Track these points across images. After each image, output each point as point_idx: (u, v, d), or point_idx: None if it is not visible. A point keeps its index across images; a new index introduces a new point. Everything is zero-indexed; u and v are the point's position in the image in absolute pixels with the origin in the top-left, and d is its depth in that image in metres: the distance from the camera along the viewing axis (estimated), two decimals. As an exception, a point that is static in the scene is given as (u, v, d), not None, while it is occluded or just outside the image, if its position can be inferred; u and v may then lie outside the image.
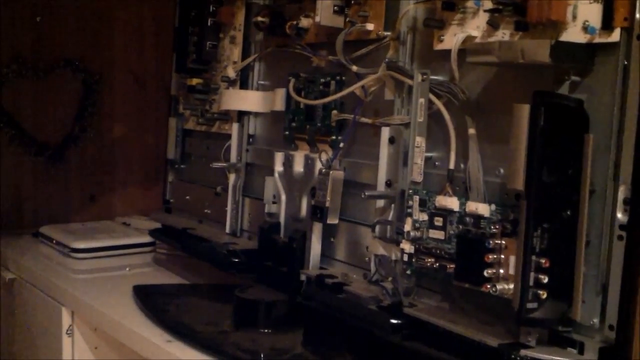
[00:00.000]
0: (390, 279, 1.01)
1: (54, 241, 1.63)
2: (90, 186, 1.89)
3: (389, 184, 1.03)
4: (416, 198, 0.96)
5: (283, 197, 1.22)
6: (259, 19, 1.27)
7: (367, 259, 1.08)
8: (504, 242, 0.83)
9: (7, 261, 1.57)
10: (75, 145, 1.84)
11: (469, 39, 0.90)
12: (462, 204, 0.89)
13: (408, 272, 0.98)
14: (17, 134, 1.75)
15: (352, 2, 1.10)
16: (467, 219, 0.88)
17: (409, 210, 0.97)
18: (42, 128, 1.78)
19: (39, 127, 1.78)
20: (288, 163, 1.22)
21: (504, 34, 0.87)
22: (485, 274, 0.82)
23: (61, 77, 1.79)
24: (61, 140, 1.82)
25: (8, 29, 1.70)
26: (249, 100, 1.35)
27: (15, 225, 1.75)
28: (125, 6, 1.89)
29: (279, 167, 1.23)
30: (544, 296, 0.77)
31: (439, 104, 0.95)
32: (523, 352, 0.80)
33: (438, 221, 0.93)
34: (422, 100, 0.96)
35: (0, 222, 1.71)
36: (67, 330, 1.36)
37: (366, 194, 1.03)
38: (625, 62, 0.76)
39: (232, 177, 1.38)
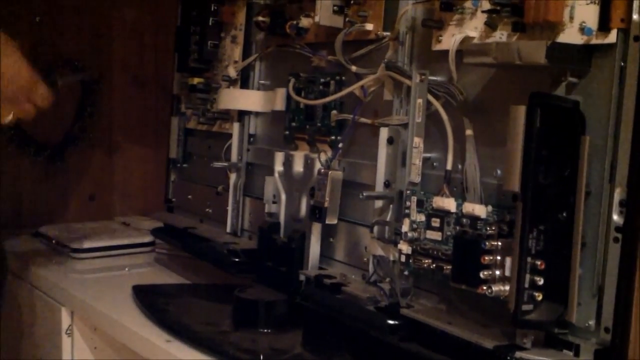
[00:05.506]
0: (388, 279, 1.00)
1: (54, 241, 1.63)
2: (90, 186, 1.89)
3: (387, 184, 1.03)
4: (414, 199, 0.96)
5: (283, 197, 1.22)
6: (260, 18, 1.27)
7: (365, 259, 1.07)
8: (500, 243, 0.83)
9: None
10: (74, 146, 1.84)
11: (467, 39, 0.90)
12: (459, 205, 0.89)
13: (405, 273, 0.98)
14: (16, 133, 1.74)
15: (352, 2, 1.09)
16: (464, 220, 0.88)
17: (407, 211, 0.96)
18: (42, 128, 1.78)
19: (39, 127, 1.77)
20: (288, 163, 1.21)
21: (501, 35, 0.86)
22: (481, 275, 0.82)
23: (61, 77, 1.79)
24: (60, 140, 1.82)
25: (8, 29, 1.70)
26: (249, 99, 1.35)
27: (15, 225, 1.75)
28: (125, 6, 1.89)
29: (279, 167, 1.23)
30: (540, 298, 0.77)
31: (437, 104, 0.95)
32: (518, 354, 0.79)
33: (435, 222, 0.92)
34: (420, 100, 0.96)
35: (0, 222, 1.71)
36: (67, 330, 1.36)
37: (364, 194, 1.02)
38: (622, 64, 0.76)
39: (232, 177, 1.38)
